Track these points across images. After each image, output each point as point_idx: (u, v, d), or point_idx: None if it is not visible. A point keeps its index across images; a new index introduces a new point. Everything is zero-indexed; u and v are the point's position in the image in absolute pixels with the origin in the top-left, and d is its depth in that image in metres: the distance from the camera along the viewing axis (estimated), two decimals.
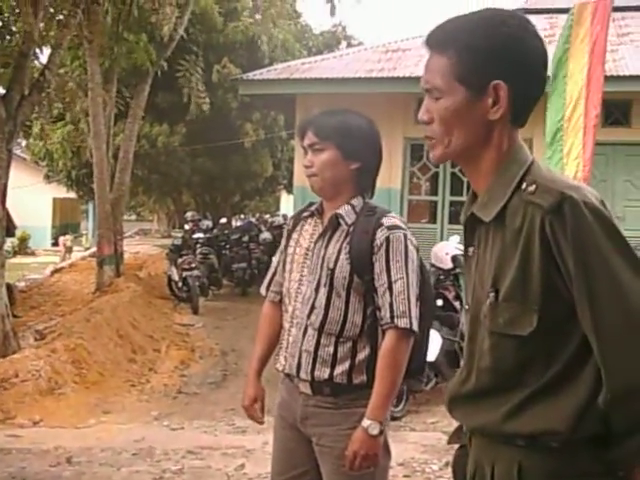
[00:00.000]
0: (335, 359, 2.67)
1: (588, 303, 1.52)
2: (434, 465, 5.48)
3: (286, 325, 2.81)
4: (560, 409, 1.58)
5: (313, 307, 2.69)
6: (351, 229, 2.68)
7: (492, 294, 1.64)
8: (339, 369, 2.67)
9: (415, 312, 2.62)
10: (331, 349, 2.67)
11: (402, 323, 2.59)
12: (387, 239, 2.63)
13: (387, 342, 2.61)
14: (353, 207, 2.71)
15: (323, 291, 2.68)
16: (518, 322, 1.60)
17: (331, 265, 2.66)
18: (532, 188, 1.59)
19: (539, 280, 1.56)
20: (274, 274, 2.97)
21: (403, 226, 2.69)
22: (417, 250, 2.71)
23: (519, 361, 1.63)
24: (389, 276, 2.62)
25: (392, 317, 2.60)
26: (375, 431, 2.57)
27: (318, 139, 2.71)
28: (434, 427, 6.78)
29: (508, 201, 1.63)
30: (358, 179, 2.74)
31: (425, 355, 2.91)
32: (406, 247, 2.64)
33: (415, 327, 2.62)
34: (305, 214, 2.86)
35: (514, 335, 1.61)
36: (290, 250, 2.84)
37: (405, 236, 2.66)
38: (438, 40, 1.69)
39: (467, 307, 1.79)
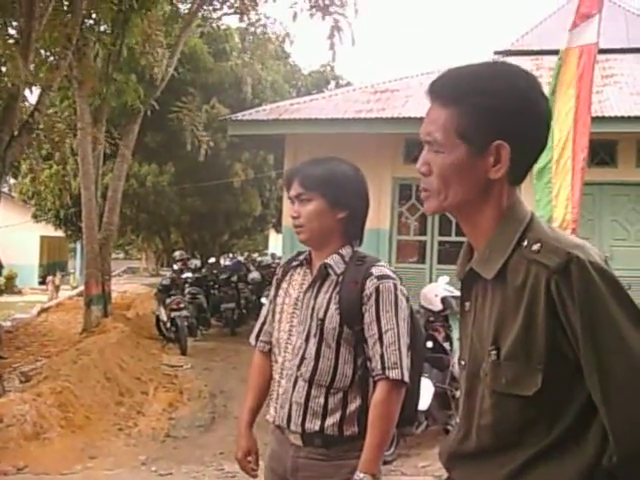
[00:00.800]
0: (326, 410, 2.65)
1: (595, 365, 1.49)
2: None
3: (276, 376, 2.80)
4: (566, 471, 1.55)
5: (303, 358, 2.68)
6: (340, 279, 2.66)
7: (493, 352, 1.61)
8: (330, 420, 2.65)
9: (406, 363, 2.61)
10: (322, 400, 2.65)
11: (393, 374, 2.57)
12: (377, 289, 2.61)
13: (378, 394, 2.59)
14: (342, 256, 2.70)
15: (313, 342, 2.66)
16: (522, 382, 1.56)
17: (321, 315, 2.65)
18: (536, 247, 1.56)
19: (543, 339, 1.53)
20: (263, 323, 2.96)
21: (393, 275, 2.68)
22: (407, 299, 2.70)
23: (523, 421, 1.59)
24: (379, 327, 2.60)
25: (383, 368, 2.58)
26: None
27: (304, 189, 2.70)
28: (425, 471, 6.71)
29: (509, 258, 1.61)
30: (346, 228, 2.72)
31: (417, 403, 2.89)
32: (396, 297, 2.63)
33: (406, 378, 2.60)
34: (294, 263, 2.84)
35: (518, 395, 1.58)
36: (279, 300, 2.83)
37: (395, 286, 2.64)
38: (441, 92, 1.65)
39: (463, 363, 1.76)
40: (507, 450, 1.61)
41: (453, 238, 11.45)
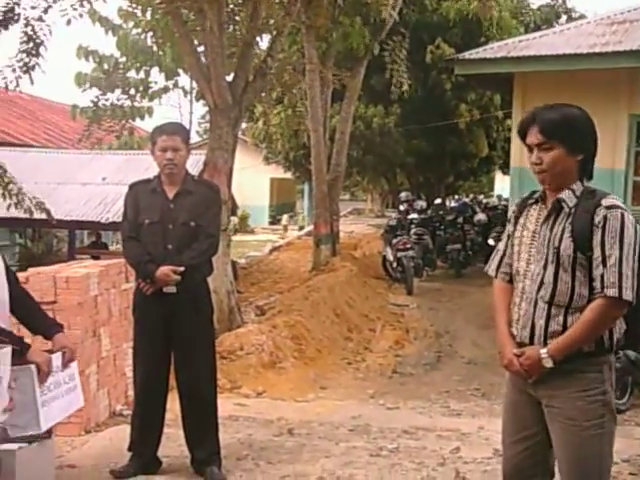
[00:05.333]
0: (565, 328, 2.90)
1: None
2: None
3: (516, 300, 3.07)
4: None
5: (542, 282, 2.95)
6: (572, 211, 2.93)
7: None
8: None
9: (628, 283, 2.80)
10: (561, 319, 2.92)
11: (611, 292, 2.81)
12: (605, 217, 2.85)
13: (595, 304, 2.84)
14: (573, 191, 2.96)
15: (551, 268, 2.94)
16: None
17: (556, 244, 2.92)
18: None
19: None
20: (503, 256, 3.24)
21: (622, 205, 2.89)
22: (636, 227, 2.88)
23: None
24: (603, 251, 2.84)
25: (602, 287, 2.83)
26: (549, 364, 2.88)
27: (545, 138, 2.94)
28: None
29: None
30: (581, 168, 2.98)
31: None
32: (622, 224, 2.83)
33: (626, 296, 2.80)
34: (530, 201, 3.12)
35: None
36: (517, 234, 3.11)
37: (622, 214, 2.85)
38: None
39: None
40: None
41: None
